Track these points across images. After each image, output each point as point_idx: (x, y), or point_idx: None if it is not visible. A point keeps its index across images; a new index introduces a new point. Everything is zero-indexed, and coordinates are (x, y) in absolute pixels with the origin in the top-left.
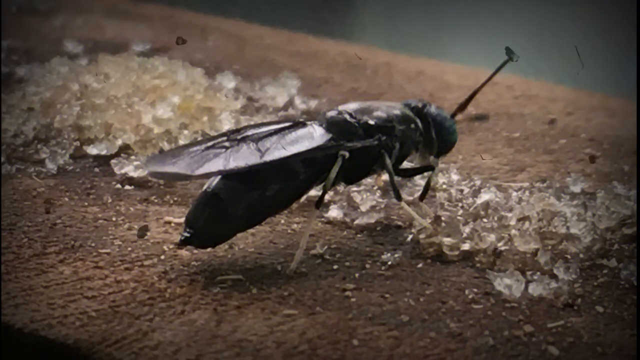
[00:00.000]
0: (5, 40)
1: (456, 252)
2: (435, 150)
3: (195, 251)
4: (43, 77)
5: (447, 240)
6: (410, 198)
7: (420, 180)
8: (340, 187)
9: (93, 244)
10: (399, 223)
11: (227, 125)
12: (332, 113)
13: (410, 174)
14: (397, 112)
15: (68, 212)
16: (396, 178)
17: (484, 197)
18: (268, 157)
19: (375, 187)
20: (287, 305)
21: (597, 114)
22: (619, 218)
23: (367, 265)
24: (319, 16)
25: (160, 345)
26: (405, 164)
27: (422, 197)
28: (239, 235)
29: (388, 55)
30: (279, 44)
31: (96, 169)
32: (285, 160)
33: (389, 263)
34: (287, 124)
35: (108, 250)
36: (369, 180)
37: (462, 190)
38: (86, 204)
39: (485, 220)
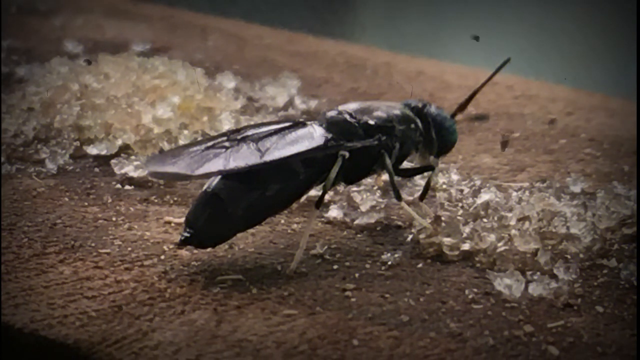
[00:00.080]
0: (5, 40)
1: (456, 252)
2: (435, 150)
3: (195, 251)
4: (43, 77)
5: (447, 240)
6: (410, 198)
7: (420, 180)
8: (340, 187)
9: (93, 244)
10: (399, 223)
11: (227, 125)
12: (332, 113)
13: (410, 174)
14: (397, 112)
15: (68, 212)
16: (396, 178)
17: (484, 197)
18: (268, 157)
19: (375, 187)
20: (287, 305)
21: (597, 114)
22: (619, 218)
23: (367, 265)
24: (319, 16)
25: (160, 345)
26: (405, 164)
27: (422, 197)
28: (239, 235)
29: (388, 55)
30: (279, 44)
31: (96, 169)
32: (285, 160)
33: (389, 263)
34: (287, 124)
35: (108, 250)
36: (369, 180)
37: (462, 190)
38: (86, 204)
39: (485, 220)
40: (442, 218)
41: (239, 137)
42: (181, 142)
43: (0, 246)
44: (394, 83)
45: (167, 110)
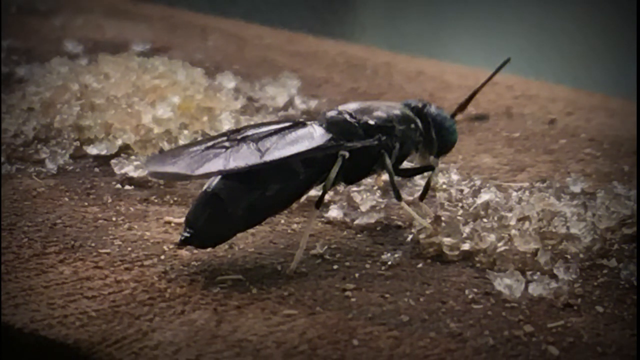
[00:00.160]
0: (5, 40)
1: (456, 252)
2: (435, 150)
3: (195, 251)
4: (43, 77)
5: (447, 240)
6: (410, 198)
7: (420, 180)
8: (340, 187)
9: (93, 244)
10: (399, 223)
11: (227, 125)
12: (332, 113)
13: (410, 174)
14: (397, 112)
15: (68, 212)
16: (396, 178)
17: (484, 197)
18: (268, 157)
19: (375, 187)
20: (287, 305)
21: (597, 114)
22: (619, 218)
23: (367, 265)
24: (319, 16)
25: (160, 345)
26: (405, 164)
27: (422, 197)
28: (239, 235)
29: (388, 55)
30: (279, 44)
31: (96, 169)
32: (285, 160)
33: (389, 263)
34: (287, 124)
35: (108, 250)
36: (369, 180)
37: (462, 190)
38: (86, 204)
39: (485, 220)
40: (442, 218)
41: (239, 137)
42: (181, 142)
43: (0, 246)
44: (394, 83)
45: (167, 110)
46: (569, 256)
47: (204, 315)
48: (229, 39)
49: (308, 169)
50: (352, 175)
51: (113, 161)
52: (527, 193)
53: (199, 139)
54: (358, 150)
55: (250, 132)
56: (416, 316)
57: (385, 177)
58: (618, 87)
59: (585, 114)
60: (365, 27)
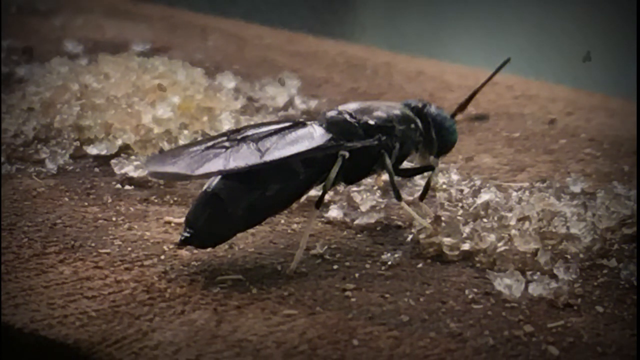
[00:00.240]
0: (5, 40)
1: (456, 252)
2: (435, 150)
3: (195, 251)
4: (43, 77)
5: (447, 240)
6: (410, 198)
7: (420, 180)
8: (340, 187)
9: (93, 244)
10: (399, 223)
11: (227, 125)
12: (332, 113)
13: (410, 174)
14: (397, 112)
15: (68, 212)
16: (396, 178)
17: (484, 197)
18: (268, 157)
19: (375, 187)
20: (287, 305)
21: (597, 114)
22: (619, 218)
23: (367, 265)
24: (319, 16)
25: (160, 345)
26: (405, 164)
27: (422, 197)
28: (239, 235)
29: (388, 55)
30: (279, 44)
31: (96, 169)
32: (285, 160)
33: (389, 263)
34: (287, 124)
35: (108, 250)
36: (369, 180)
37: (462, 190)
38: (86, 204)
39: (485, 220)
40: (442, 218)
41: (239, 137)
42: (181, 142)
43: (0, 246)
44: (394, 83)
45: (167, 110)
46: (569, 256)
47: (204, 315)
48: (229, 39)
49: (308, 169)
50: (352, 175)
51: (113, 161)
52: (527, 193)
53: (199, 139)
54: (358, 150)
55: (250, 132)
56: (416, 316)
57: (385, 177)
58: (618, 87)
59: (585, 114)
60: (365, 27)
